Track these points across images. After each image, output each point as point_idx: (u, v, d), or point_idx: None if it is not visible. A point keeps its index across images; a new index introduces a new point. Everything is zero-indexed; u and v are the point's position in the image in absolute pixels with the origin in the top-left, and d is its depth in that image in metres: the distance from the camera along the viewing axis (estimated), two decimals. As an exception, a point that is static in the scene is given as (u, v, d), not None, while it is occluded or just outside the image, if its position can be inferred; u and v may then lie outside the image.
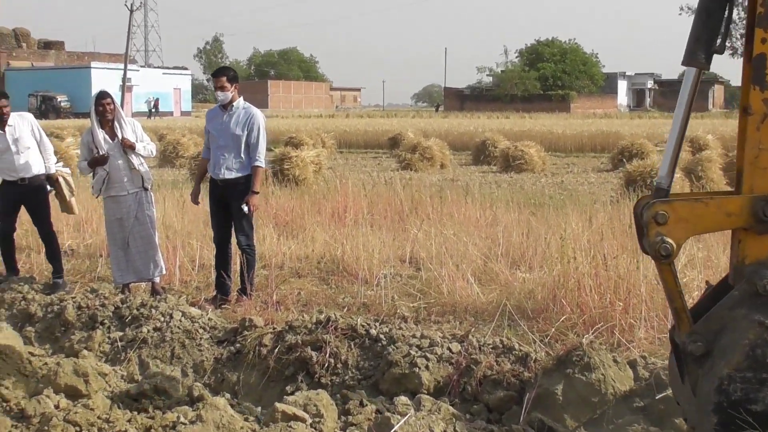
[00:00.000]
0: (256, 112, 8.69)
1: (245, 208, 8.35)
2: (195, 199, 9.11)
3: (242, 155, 8.51)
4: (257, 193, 8.55)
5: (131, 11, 67.23)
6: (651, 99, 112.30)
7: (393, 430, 4.28)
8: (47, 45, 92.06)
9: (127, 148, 8.62)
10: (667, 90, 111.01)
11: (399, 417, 4.67)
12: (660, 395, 5.06)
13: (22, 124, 9.14)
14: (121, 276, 8.80)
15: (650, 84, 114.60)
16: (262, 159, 8.59)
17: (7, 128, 8.96)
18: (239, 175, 8.49)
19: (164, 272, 9.12)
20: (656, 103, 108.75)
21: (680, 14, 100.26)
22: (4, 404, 4.31)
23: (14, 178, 8.98)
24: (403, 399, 5.20)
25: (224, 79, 8.49)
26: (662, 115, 70.03)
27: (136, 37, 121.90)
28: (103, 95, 8.74)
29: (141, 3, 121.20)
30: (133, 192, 8.73)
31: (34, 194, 9.15)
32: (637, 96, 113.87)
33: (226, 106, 8.60)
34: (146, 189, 8.86)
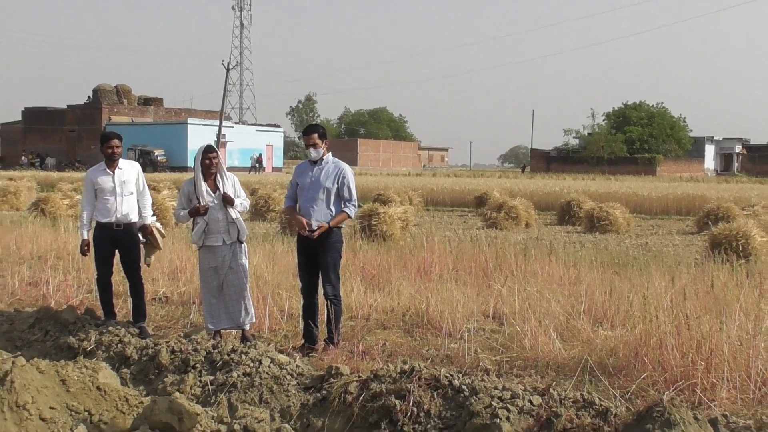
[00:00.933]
0: (345, 165, 8.88)
1: (314, 225, 8.50)
2: (303, 225, 8.71)
3: (331, 207, 8.68)
4: (330, 226, 8.61)
5: (228, 70, 69.06)
6: (739, 164, 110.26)
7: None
8: (147, 101, 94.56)
9: (226, 202, 8.87)
10: (755, 155, 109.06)
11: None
12: (741, 454, 5.00)
13: (131, 170, 9.47)
14: (213, 322, 8.99)
15: (738, 149, 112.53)
16: (351, 210, 8.78)
17: (116, 170, 9.31)
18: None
19: (254, 320, 9.29)
20: (744, 167, 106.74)
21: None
22: (104, 437, 4.48)
23: (110, 220, 9.23)
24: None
25: (315, 136, 8.71)
26: (750, 180, 68.68)
27: (231, 95, 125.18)
28: (210, 149, 8.98)
29: (237, 62, 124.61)
30: (228, 243, 8.94)
31: (127, 240, 9.41)
32: (725, 160, 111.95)
33: (317, 161, 8.80)
34: (241, 242, 9.08)
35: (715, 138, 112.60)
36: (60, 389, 4.97)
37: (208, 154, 8.91)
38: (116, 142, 9.30)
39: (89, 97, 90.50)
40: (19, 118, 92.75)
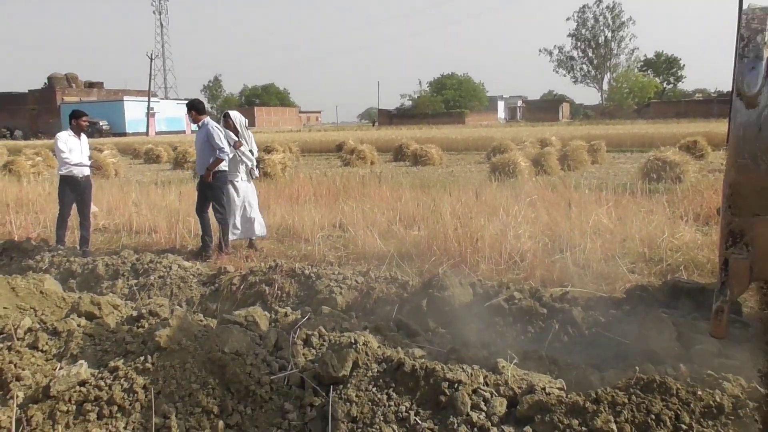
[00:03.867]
0: (210, 122, 8.79)
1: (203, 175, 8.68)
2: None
3: (208, 159, 8.70)
4: (209, 170, 8.66)
5: (151, 59, 66.26)
6: (521, 113, 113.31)
7: (299, 324, 4.47)
8: (91, 85, 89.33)
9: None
10: (532, 107, 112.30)
11: (307, 317, 4.86)
12: (488, 303, 5.34)
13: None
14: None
15: (520, 103, 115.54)
16: (220, 154, 8.64)
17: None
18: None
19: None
20: (524, 116, 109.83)
21: (539, 54, 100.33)
22: (43, 324, 4.47)
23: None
24: (325, 308, 5.44)
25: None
26: (527, 125, 70.68)
27: (158, 77, 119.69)
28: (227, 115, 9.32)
29: (159, 53, 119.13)
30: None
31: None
32: (511, 111, 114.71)
33: (200, 126, 8.77)
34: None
35: (504, 96, 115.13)
36: (11, 294, 4.89)
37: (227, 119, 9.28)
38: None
39: (45, 82, 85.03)
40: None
